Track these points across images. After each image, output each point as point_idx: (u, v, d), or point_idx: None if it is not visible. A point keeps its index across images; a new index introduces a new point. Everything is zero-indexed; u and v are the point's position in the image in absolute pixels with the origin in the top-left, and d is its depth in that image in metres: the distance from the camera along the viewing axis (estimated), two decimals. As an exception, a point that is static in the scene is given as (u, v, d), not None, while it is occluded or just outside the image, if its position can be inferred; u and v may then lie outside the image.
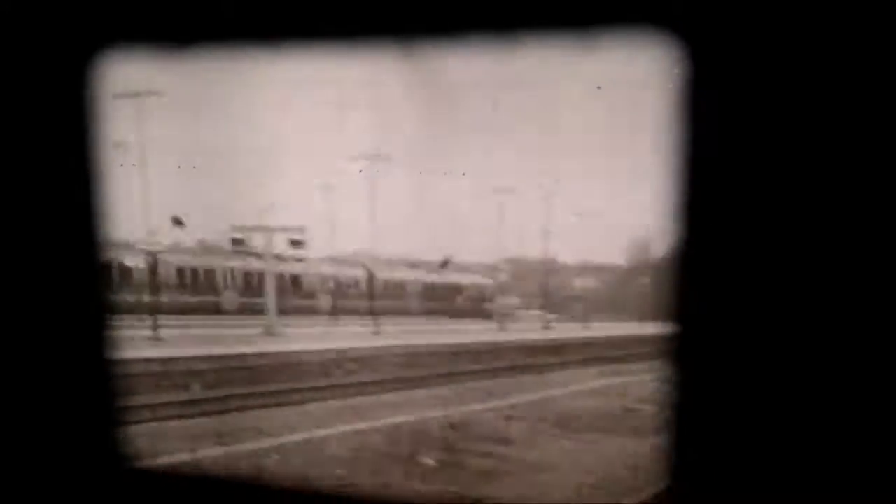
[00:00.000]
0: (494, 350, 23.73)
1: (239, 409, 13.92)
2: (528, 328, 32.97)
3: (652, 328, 37.58)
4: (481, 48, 1.37)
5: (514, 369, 20.67)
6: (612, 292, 51.19)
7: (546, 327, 34.61)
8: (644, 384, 18.20)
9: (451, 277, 41.53)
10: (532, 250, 43.59)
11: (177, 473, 2.11)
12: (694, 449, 1.33)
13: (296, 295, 32.44)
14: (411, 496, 9.22)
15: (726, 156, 1.25)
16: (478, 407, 14.98)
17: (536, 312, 38.85)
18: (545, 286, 42.11)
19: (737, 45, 1.22)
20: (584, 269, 47.67)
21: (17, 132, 1.63)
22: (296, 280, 33.15)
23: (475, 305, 39.76)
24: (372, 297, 36.12)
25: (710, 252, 1.28)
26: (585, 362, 22.75)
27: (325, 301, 34.13)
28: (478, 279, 43.85)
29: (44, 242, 1.65)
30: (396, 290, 38.19)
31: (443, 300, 39.95)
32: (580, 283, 46.61)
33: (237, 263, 30.89)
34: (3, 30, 1.60)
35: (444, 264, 39.24)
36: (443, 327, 30.23)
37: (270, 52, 1.50)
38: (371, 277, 37.11)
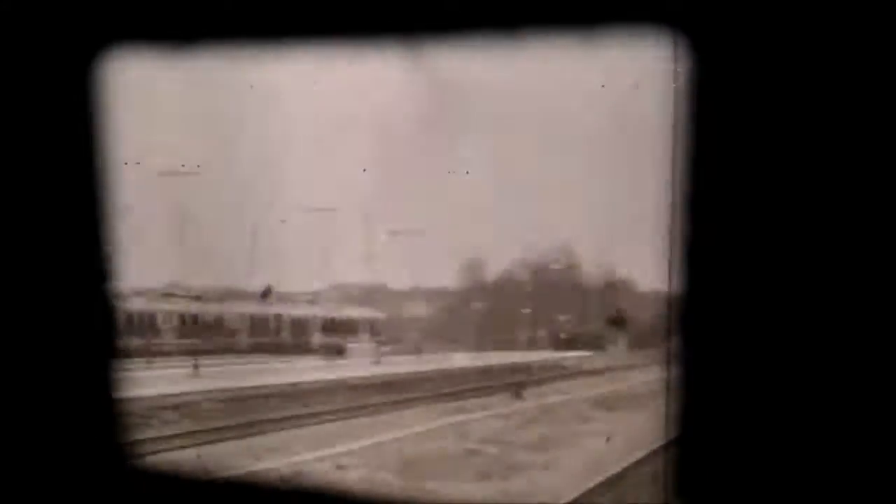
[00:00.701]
0: (325, 389, 23.09)
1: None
2: (357, 363, 32.54)
3: (489, 359, 38.75)
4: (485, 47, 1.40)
5: (345, 411, 20.09)
6: (445, 319, 51.96)
7: (377, 362, 34.31)
8: (485, 422, 18.38)
9: (348, 312, 42.63)
10: (359, 275, 43.34)
11: (178, 474, 2.15)
12: (699, 462, 1.36)
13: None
14: (412, 496, 9.88)
15: (730, 153, 1.30)
16: (308, 456, 14.36)
17: (367, 345, 38.42)
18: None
19: (740, 42, 1.27)
20: (415, 294, 48.02)
21: (22, 130, 1.70)
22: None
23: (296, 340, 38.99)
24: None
25: (714, 249, 1.34)
26: (422, 400, 22.62)
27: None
28: (368, 313, 44.76)
29: (47, 241, 1.71)
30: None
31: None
32: (411, 310, 46.84)
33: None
34: (7, 29, 1.68)
35: (267, 293, 38.14)
36: (266, 366, 29.18)
37: (273, 51, 1.55)
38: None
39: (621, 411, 20.26)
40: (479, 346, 45.68)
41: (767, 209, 1.28)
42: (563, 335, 52.44)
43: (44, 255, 1.69)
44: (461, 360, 36.04)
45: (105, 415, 1.76)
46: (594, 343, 49.79)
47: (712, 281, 1.33)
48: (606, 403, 21.54)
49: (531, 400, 22.57)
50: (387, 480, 12.82)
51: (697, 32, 1.27)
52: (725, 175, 1.30)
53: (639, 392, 24.86)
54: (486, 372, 31.96)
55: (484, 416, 19.04)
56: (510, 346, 52.70)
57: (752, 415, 1.31)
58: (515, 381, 26.57)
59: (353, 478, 12.87)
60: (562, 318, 55.98)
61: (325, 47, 1.50)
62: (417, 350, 42.03)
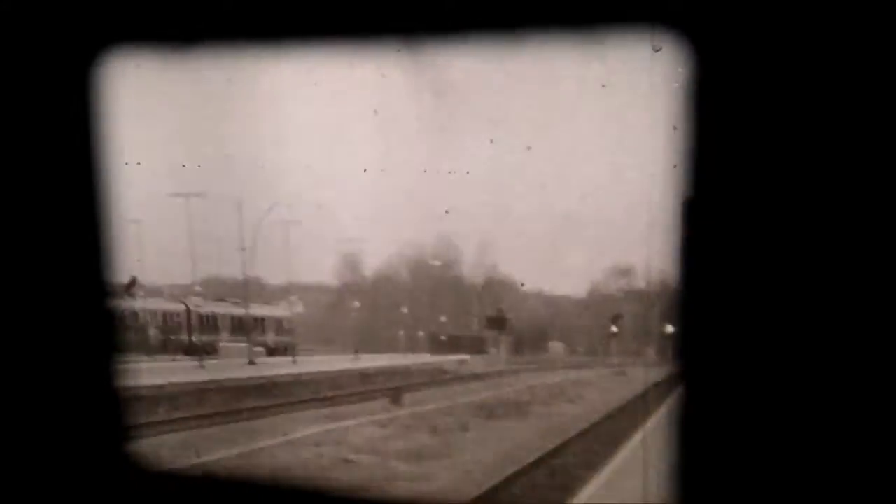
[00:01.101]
0: (193, 392, 22.44)
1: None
2: (231, 364, 31.77)
3: (366, 361, 38.64)
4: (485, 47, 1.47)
5: (214, 416, 19.61)
6: (322, 318, 51.36)
7: (252, 362, 33.61)
8: (362, 429, 18.39)
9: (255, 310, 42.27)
10: (232, 269, 42.31)
11: (183, 475, 2.27)
12: (699, 464, 1.39)
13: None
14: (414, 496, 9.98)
15: (731, 154, 1.33)
16: (173, 466, 13.96)
17: (241, 345, 37.56)
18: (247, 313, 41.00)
19: (741, 42, 1.31)
20: (289, 290, 47.27)
21: (21, 132, 1.74)
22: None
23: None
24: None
25: (715, 250, 1.36)
26: (297, 405, 22.37)
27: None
28: (277, 311, 44.26)
29: (46, 243, 1.76)
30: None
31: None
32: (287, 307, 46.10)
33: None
34: (6, 29, 1.72)
35: (131, 286, 36.71)
36: (138, 366, 28.09)
37: (274, 52, 1.61)
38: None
39: (502, 419, 20.57)
40: (357, 348, 45.59)
41: (768, 210, 1.32)
42: (442, 337, 52.61)
43: (43, 256, 1.75)
44: (337, 362, 35.78)
45: (104, 416, 1.82)
46: (474, 346, 50.31)
47: (713, 283, 1.36)
48: (486, 410, 21.83)
49: (410, 406, 22.67)
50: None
51: (698, 32, 1.31)
52: (726, 176, 1.34)
53: (520, 399, 25.41)
54: (363, 376, 31.91)
55: (361, 424, 19.03)
56: (389, 347, 52.59)
57: (753, 417, 1.35)
58: (394, 387, 26.67)
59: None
60: (442, 318, 56.25)
61: (325, 48, 1.58)
62: (292, 350, 41.70)
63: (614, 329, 47.88)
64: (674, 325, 1.42)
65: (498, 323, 48.79)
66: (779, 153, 1.30)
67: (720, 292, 1.35)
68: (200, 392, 22.78)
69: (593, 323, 55.25)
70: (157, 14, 1.62)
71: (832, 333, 1.30)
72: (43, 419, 1.80)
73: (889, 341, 1.28)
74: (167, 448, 15.12)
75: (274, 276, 48.38)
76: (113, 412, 1.81)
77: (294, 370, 29.94)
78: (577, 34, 1.40)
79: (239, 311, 42.09)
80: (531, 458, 14.68)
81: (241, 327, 42.12)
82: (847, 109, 1.27)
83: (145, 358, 31.27)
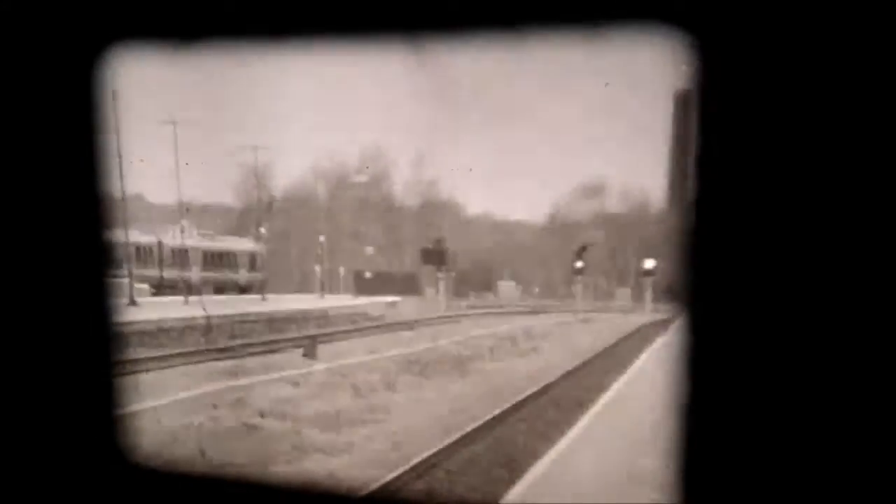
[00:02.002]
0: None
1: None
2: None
3: (273, 303, 38.58)
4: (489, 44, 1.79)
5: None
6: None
7: (133, 302, 33.58)
8: (268, 388, 18.45)
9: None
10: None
11: (179, 472, 2.58)
12: (704, 462, 1.69)
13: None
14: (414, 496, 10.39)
15: (737, 151, 1.61)
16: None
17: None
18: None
19: (746, 40, 1.58)
20: (180, 212, 47.32)
21: (26, 128, 2.08)
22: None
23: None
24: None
25: (720, 249, 1.65)
26: (191, 357, 22.55)
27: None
28: (247, 244, 48.70)
29: (50, 237, 2.11)
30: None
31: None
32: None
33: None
34: (11, 26, 2.05)
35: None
36: None
37: (278, 49, 1.93)
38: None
39: (436, 378, 21.04)
40: (262, 287, 45.61)
41: (775, 210, 1.58)
42: (367, 274, 51.89)
43: (45, 252, 2.10)
44: (237, 304, 35.86)
45: (104, 413, 2.19)
46: (407, 286, 50.34)
47: (718, 281, 1.64)
48: (418, 367, 22.30)
49: (326, 360, 23.00)
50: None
51: (703, 31, 1.58)
52: (732, 175, 1.61)
53: (460, 353, 25.61)
54: (270, 321, 32.22)
55: (267, 381, 19.30)
56: (301, 286, 51.58)
57: (759, 413, 1.62)
58: (306, 336, 26.94)
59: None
60: (367, 250, 54.79)
61: (329, 45, 1.89)
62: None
63: (579, 264, 47.69)
64: (684, 322, 1.65)
65: (436, 257, 48.59)
66: (785, 148, 1.58)
67: (728, 290, 1.64)
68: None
69: (554, 256, 54.37)
70: (162, 10, 1.96)
71: (846, 331, 1.58)
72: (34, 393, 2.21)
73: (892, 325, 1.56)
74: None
75: (165, 196, 48.87)
76: (108, 411, 2.22)
77: (184, 314, 30.11)
78: (582, 31, 1.69)
79: (211, 244, 45.77)
80: (470, 427, 14.83)
81: (213, 262, 46.12)
82: (856, 110, 1.55)
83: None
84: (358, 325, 33.62)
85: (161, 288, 42.51)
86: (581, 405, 17.41)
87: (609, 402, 17.41)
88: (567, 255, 49.29)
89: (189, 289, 41.74)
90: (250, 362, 22.49)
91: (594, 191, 54.82)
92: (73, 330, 2.15)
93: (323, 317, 35.00)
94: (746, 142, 1.61)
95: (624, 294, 52.45)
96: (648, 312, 41.61)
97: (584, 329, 35.42)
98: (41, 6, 2.05)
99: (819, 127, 1.58)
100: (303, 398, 17.84)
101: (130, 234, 39.94)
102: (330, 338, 28.19)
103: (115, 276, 2.17)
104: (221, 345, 24.98)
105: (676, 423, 1.69)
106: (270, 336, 28.01)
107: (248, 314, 31.93)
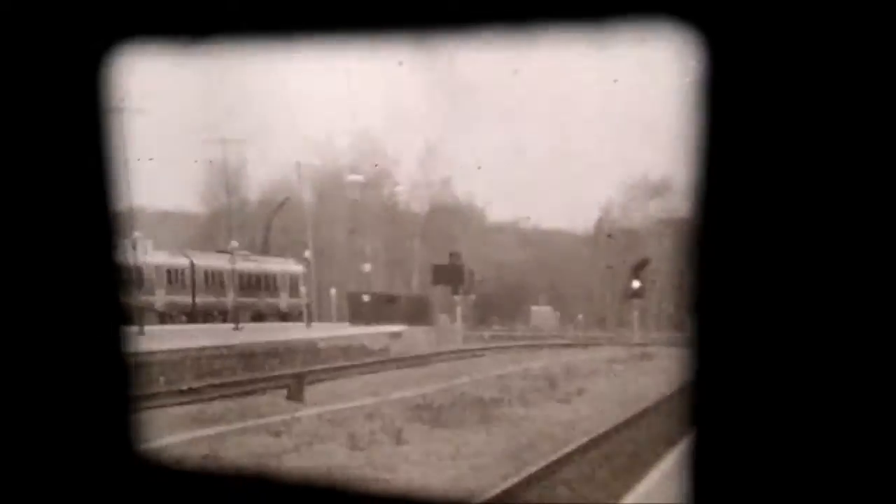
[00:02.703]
0: None
1: None
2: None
3: (252, 333, 38.75)
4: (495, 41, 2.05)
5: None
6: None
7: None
8: (246, 439, 18.56)
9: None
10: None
11: (186, 468, 3.15)
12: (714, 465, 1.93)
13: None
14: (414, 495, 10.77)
15: (744, 148, 1.85)
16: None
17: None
18: None
19: (754, 36, 1.82)
20: (168, 219, 47.92)
21: (33, 127, 2.40)
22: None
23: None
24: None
25: (727, 245, 1.90)
26: (153, 399, 22.54)
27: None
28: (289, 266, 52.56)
29: (57, 237, 2.44)
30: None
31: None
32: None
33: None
34: (19, 25, 2.38)
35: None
36: None
37: (284, 46, 2.22)
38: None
39: (454, 427, 20.97)
40: (307, 314, 46.13)
41: (782, 207, 1.83)
42: (365, 297, 50.91)
43: (52, 252, 2.42)
44: (208, 334, 35.81)
45: (114, 410, 2.51)
46: (415, 311, 49.34)
47: (725, 279, 1.89)
48: (431, 413, 22.29)
49: (316, 404, 23.18)
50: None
51: (711, 27, 1.83)
52: (739, 172, 1.86)
53: (482, 395, 25.65)
54: (246, 356, 32.31)
55: (243, 430, 19.49)
56: (284, 312, 51.42)
57: (768, 416, 1.87)
58: (292, 374, 26.98)
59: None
60: (365, 267, 54.31)
61: (336, 42, 2.17)
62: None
63: (636, 284, 47.40)
64: (689, 323, 1.93)
65: (451, 274, 48.07)
66: (793, 145, 1.82)
67: (733, 288, 1.88)
68: None
69: (603, 274, 54.06)
70: (168, 8, 2.25)
71: (853, 332, 1.80)
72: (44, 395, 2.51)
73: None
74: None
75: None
76: (118, 409, 2.52)
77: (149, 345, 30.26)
78: (590, 28, 1.94)
79: (248, 266, 49.18)
80: (496, 491, 14.79)
81: (250, 286, 49.49)
82: (860, 103, 1.79)
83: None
84: (354, 361, 33.58)
85: (194, 316, 45.24)
86: (643, 462, 17.28)
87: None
88: (621, 272, 48.94)
89: (224, 316, 44.67)
90: (221, 406, 22.63)
91: (656, 189, 54.06)
92: (82, 329, 2.46)
93: (311, 350, 35.07)
94: (754, 139, 1.85)
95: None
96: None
97: (643, 367, 35.32)
98: (49, 3, 2.35)
99: (830, 123, 1.80)
100: (285, 451, 17.96)
101: (156, 256, 42.53)
102: (320, 376, 28.05)
103: (127, 293, 2.51)
104: (184, 386, 24.83)
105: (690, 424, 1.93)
106: (243, 375, 27.99)
107: (218, 347, 31.86)
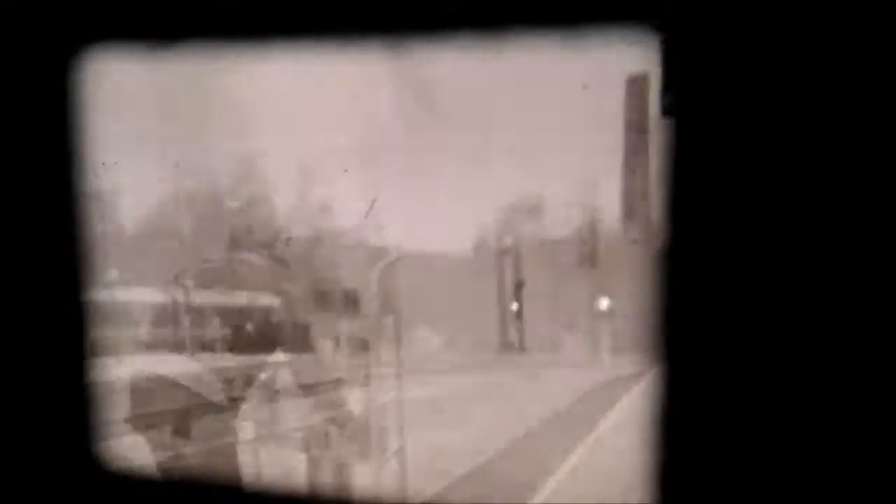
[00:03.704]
0: None
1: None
2: None
3: (123, 364, 38.12)
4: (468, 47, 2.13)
5: None
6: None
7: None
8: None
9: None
10: None
11: (154, 478, 3.36)
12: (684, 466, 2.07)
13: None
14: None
15: (715, 157, 1.94)
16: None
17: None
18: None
19: (724, 43, 1.92)
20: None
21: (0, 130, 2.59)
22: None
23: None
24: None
25: (700, 255, 2.00)
26: None
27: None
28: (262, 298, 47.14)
29: (23, 242, 2.65)
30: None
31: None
32: None
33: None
34: None
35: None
36: None
37: (257, 50, 2.37)
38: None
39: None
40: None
41: (755, 213, 1.95)
42: (249, 326, 50.31)
43: (18, 255, 2.56)
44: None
45: (77, 417, 2.72)
46: (297, 340, 49.06)
47: (698, 286, 2.01)
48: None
49: (202, 439, 23.49)
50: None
51: (682, 34, 1.95)
52: (711, 179, 1.97)
53: (368, 422, 26.43)
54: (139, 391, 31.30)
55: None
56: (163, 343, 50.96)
57: (739, 418, 2.00)
58: (175, 409, 26.95)
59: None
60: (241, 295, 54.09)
61: (309, 46, 2.30)
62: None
63: (514, 306, 49.47)
64: (659, 332, 2.03)
65: (333, 300, 47.64)
66: (765, 152, 1.94)
67: (707, 295, 2.01)
68: None
69: (484, 296, 54.65)
70: (139, 10, 2.39)
71: (826, 335, 1.97)
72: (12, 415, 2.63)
73: (878, 336, 1.95)
74: None
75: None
76: (81, 416, 2.71)
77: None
78: (561, 34, 2.07)
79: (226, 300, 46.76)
80: None
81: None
82: (836, 109, 1.91)
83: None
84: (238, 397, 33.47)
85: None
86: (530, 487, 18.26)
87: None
88: (503, 294, 49.44)
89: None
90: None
91: (530, 211, 54.84)
92: (45, 332, 2.61)
93: (196, 383, 34.85)
94: (725, 145, 1.98)
95: (573, 343, 52.87)
96: (607, 366, 41.93)
97: (527, 388, 35.99)
98: (17, 5, 2.45)
99: (804, 130, 1.94)
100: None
101: (139, 292, 42.34)
102: (203, 412, 27.84)
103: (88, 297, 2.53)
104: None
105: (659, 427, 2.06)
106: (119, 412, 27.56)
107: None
